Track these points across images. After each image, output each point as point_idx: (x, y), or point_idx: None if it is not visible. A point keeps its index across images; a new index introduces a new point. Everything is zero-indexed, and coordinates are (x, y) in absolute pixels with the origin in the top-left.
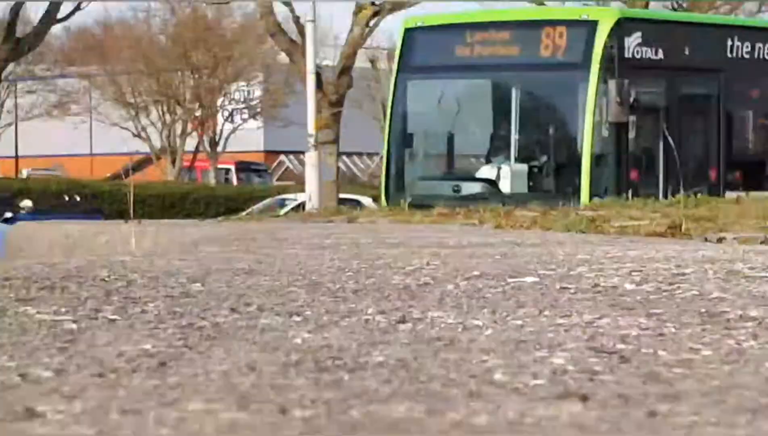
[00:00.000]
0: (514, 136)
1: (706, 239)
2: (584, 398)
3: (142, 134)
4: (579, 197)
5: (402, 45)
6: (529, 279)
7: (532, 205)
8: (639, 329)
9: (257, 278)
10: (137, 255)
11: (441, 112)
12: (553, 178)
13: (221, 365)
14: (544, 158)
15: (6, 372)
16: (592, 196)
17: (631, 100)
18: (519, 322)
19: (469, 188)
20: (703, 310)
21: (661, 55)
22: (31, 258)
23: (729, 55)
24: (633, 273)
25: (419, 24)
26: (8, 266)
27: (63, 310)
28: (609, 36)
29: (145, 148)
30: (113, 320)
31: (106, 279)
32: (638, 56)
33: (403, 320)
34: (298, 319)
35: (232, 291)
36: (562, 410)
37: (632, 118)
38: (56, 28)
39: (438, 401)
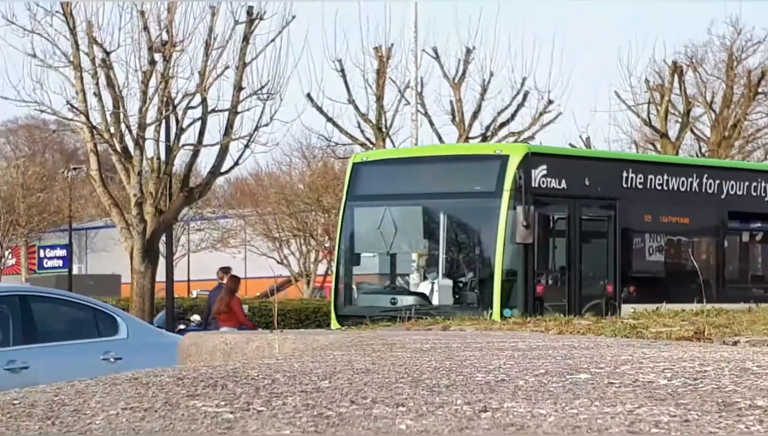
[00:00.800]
0: (441, 256)
1: (724, 342)
2: None
3: (284, 261)
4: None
5: (350, 176)
6: (583, 376)
7: (456, 316)
8: (669, 416)
9: (372, 376)
10: (280, 358)
11: (382, 235)
12: (474, 292)
13: None
14: (470, 275)
15: None
16: (502, 308)
17: (537, 223)
18: (575, 411)
19: (404, 301)
20: (720, 400)
21: (564, 184)
22: (197, 362)
23: (624, 185)
24: (665, 370)
25: (365, 159)
26: (180, 369)
27: (222, 403)
28: (518, 168)
29: (286, 272)
30: (261, 411)
31: (256, 378)
32: (544, 185)
33: (484, 410)
34: (402, 409)
35: (352, 387)
36: None
37: (538, 239)
38: (220, 179)
39: None
